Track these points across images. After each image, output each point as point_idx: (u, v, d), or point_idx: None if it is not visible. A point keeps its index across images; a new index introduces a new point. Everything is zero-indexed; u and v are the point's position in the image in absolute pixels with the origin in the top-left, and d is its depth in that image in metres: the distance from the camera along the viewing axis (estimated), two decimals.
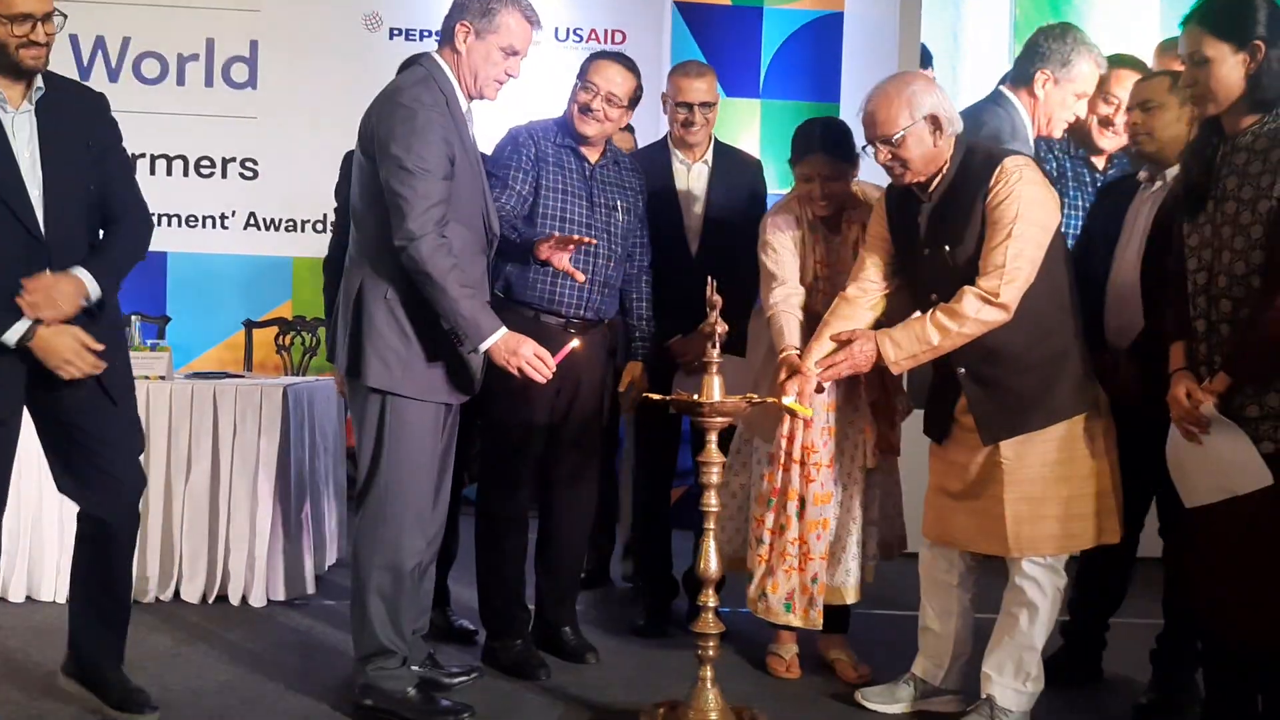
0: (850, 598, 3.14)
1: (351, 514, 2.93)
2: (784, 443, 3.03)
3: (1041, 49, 3.13)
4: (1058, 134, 3.25)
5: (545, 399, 3.18)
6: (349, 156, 3.17)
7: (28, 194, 2.54)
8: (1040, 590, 2.80)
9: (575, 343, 2.89)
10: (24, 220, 2.53)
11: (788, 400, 2.78)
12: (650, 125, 5.55)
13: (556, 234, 3.07)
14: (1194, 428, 2.46)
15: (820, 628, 3.10)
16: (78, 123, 2.64)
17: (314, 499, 4.09)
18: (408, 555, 2.81)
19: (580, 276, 3.08)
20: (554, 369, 2.75)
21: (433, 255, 2.63)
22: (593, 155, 3.27)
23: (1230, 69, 2.38)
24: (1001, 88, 3.25)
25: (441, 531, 3.03)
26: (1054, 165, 3.30)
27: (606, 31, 5.85)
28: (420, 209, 2.62)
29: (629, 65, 3.24)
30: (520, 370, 2.71)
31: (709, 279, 2.71)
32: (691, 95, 3.52)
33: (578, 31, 5.86)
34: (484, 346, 2.70)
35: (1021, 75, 3.15)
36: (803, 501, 3.03)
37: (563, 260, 3.04)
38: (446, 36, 2.81)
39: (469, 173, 2.79)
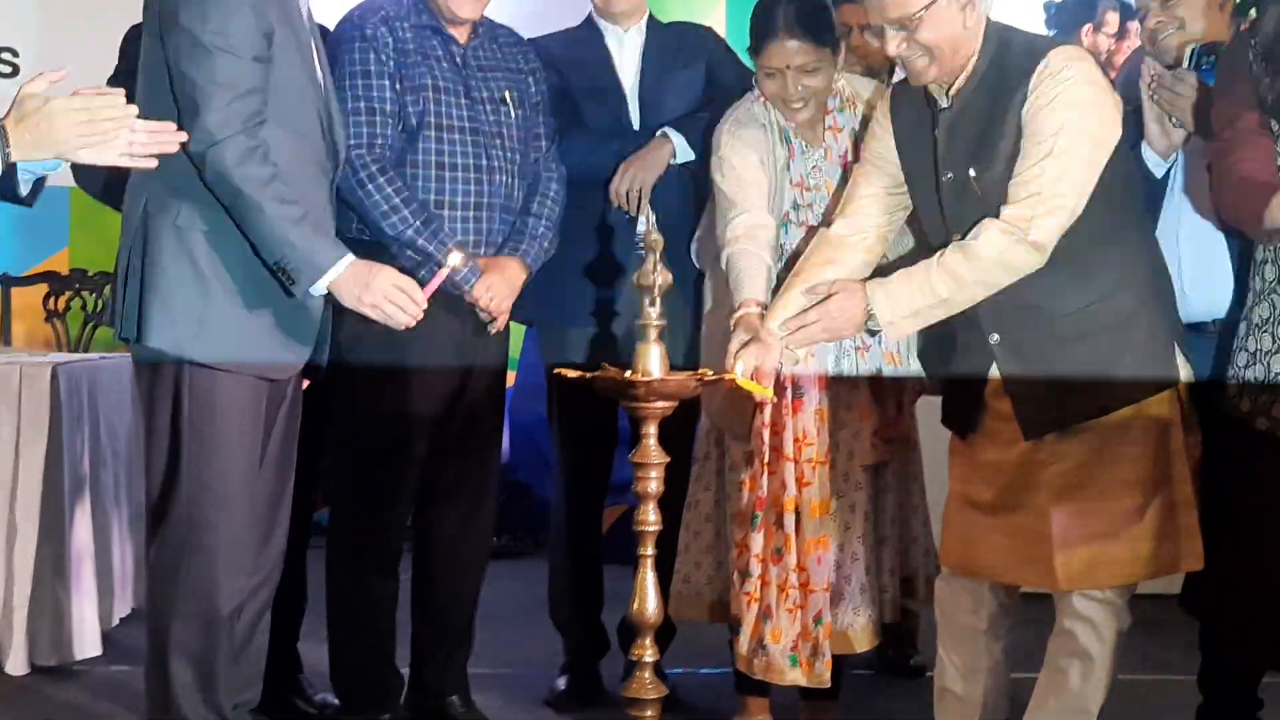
0: (861, 645, 2.74)
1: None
2: (765, 435, 2.63)
3: None
4: None
5: (428, 381, 2.76)
6: (130, 35, 2.75)
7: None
8: (1097, 636, 2.42)
9: (453, 259, 2.48)
10: None
11: (739, 373, 2.37)
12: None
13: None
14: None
15: (828, 684, 2.68)
16: None
17: (99, 526, 3.50)
18: (224, 598, 2.37)
19: None
20: (424, 305, 2.38)
21: (242, 162, 2.28)
22: (462, 35, 2.84)
23: None
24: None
25: (279, 567, 2.53)
26: None
27: None
28: (222, 100, 2.28)
29: None
30: (379, 309, 2.36)
31: (647, 208, 2.42)
32: None
33: None
34: (323, 282, 2.31)
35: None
36: (798, 513, 2.63)
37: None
38: None
39: (298, 58, 2.41)
